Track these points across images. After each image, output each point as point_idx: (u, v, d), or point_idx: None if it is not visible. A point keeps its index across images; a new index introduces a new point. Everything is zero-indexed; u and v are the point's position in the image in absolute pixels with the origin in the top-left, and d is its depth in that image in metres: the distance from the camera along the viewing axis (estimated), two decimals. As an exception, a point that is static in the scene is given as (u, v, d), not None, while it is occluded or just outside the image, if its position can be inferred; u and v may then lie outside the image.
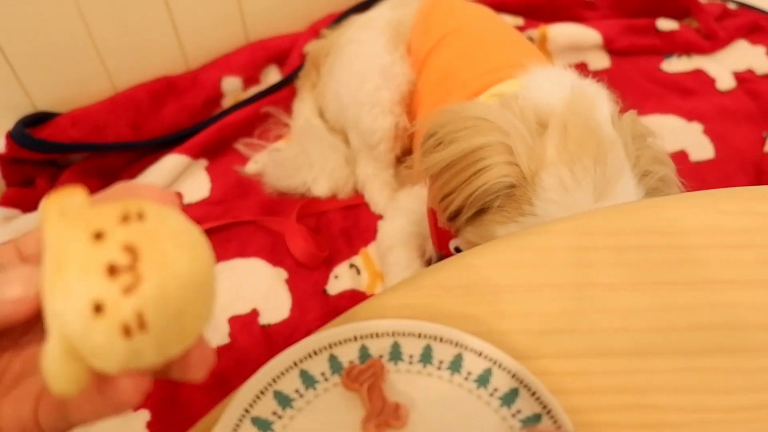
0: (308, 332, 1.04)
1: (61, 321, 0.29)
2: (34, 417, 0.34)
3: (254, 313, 1.06)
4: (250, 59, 1.34)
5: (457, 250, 0.96)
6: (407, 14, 1.17)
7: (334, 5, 1.43)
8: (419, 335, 0.49)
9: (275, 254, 1.13)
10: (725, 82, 1.41)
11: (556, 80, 0.82)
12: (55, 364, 0.30)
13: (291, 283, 1.10)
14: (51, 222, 0.30)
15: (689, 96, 1.38)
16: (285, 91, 1.34)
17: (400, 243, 1.07)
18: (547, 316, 0.52)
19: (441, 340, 0.49)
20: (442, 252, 1.01)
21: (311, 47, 1.33)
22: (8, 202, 1.12)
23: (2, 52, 1.08)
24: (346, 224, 1.18)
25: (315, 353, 0.48)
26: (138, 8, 1.19)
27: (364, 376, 0.47)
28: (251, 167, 1.24)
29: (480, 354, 0.48)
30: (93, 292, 0.28)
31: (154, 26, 1.23)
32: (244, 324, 1.05)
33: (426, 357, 0.49)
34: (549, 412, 0.45)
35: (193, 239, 0.31)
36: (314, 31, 1.39)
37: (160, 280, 0.29)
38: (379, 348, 0.49)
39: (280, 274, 1.10)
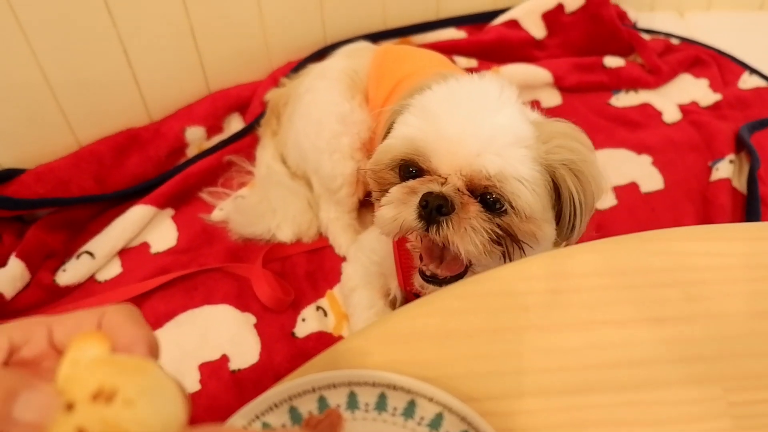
0: (277, 376, 1.07)
1: None
2: None
3: (224, 359, 1.08)
4: (212, 109, 1.38)
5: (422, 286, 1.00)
6: (361, 63, 1.21)
7: (292, 54, 1.47)
8: (374, 384, 0.52)
9: (242, 300, 1.15)
10: (671, 114, 1.47)
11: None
12: None
13: (259, 328, 1.12)
14: (63, 368, 0.34)
15: (637, 129, 1.44)
16: (248, 138, 1.37)
17: (362, 284, 1.10)
18: (489, 359, 0.55)
19: (394, 387, 0.52)
20: (408, 289, 1.04)
21: (271, 95, 1.37)
22: (-26, 259, 1.13)
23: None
24: (310, 267, 1.20)
25: (276, 405, 0.51)
26: (99, 63, 1.22)
27: (323, 426, 0.50)
28: (216, 215, 1.27)
29: (431, 399, 0.51)
30: None
31: (116, 80, 1.26)
32: (213, 370, 1.07)
33: (381, 405, 0.52)
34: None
35: None
36: (274, 79, 1.43)
37: None
38: (336, 398, 0.52)
39: (248, 319, 1.13)
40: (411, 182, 0.81)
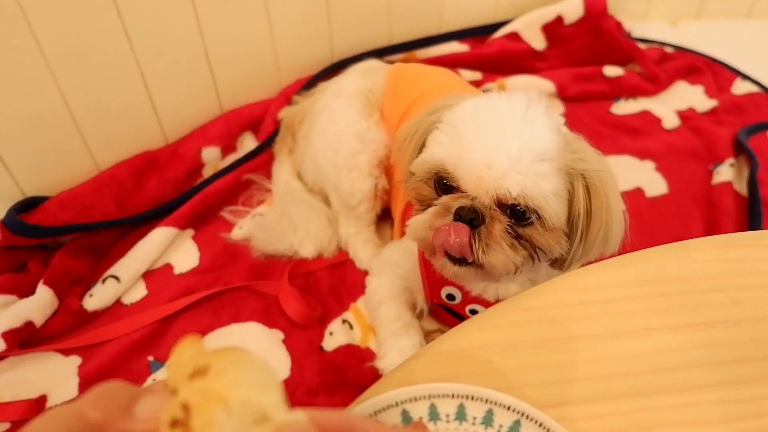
0: (309, 390, 1.09)
1: None
2: None
3: (255, 377, 1.10)
4: (226, 128, 1.40)
5: (449, 297, 1.03)
6: (376, 82, 1.24)
7: (301, 71, 1.50)
8: (453, 395, 0.55)
9: (269, 316, 1.17)
10: (670, 121, 1.52)
11: None
12: None
13: (288, 344, 1.14)
14: (168, 370, 0.39)
15: (639, 136, 1.49)
16: (262, 156, 1.39)
17: (389, 297, 1.12)
18: (555, 368, 0.58)
19: (472, 398, 0.55)
20: (434, 301, 1.07)
21: (285, 113, 1.40)
22: (3, 289, 1.14)
23: (-8, 144, 1.12)
24: (333, 282, 1.23)
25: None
26: (118, 88, 1.24)
27: (409, 437, 0.53)
28: (237, 233, 1.29)
29: (508, 408, 0.54)
30: None
31: (134, 104, 1.28)
32: (245, 387, 1.09)
33: (461, 415, 0.54)
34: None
35: (238, 396, 0.36)
36: (285, 97, 1.45)
37: None
38: (418, 410, 0.54)
39: (276, 336, 1.15)
40: (444, 198, 0.85)
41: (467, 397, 0.55)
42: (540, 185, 0.79)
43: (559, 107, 1.55)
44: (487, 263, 0.82)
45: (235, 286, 1.20)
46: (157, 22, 1.22)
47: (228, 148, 1.41)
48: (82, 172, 1.26)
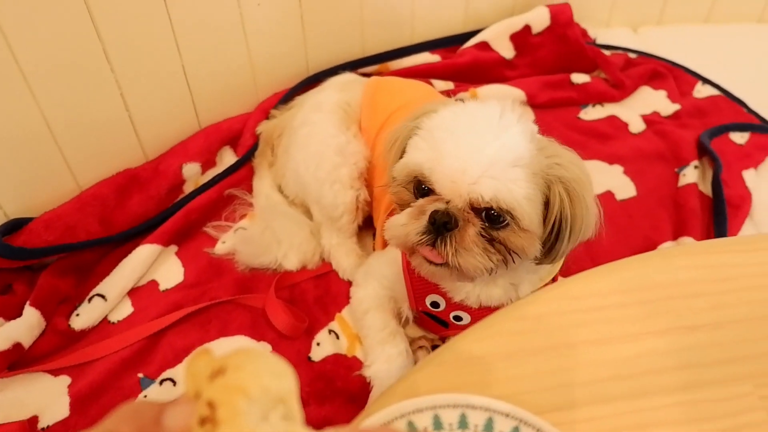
0: (300, 399, 1.11)
1: None
2: None
3: (246, 389, 1.11)
4: (205, 144, 1.41)
5: (434, 304, 1.06)
6: (353, 95, 1.26)
7: (278, 85, 1.52)
8: (454, 405, 0.58)
9: (257, 329, 1.19)
10: (636, 125, 1.58)
11: None
12: None
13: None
14: (186, 382, 0.42)
15: (607, 141, 1.54)
16: (242, 170, 1.41)
17: (374, 307, 1.15)
18: (552, 374, 0.62)
19: (473, 407, 0.58)
20: (419, 309, 1.10)
21: (263, 128, 1.42)
22: (-10, 311, 1.14)
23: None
24: (318, 292, 1.25)
25: (372, 433, 0.56)
26: (98, 107, 1.24)
27: (418, 447, 0.55)
28: (220, 248, 1.30)
29: (507, 415, 0.57)
30: None
31: (114, 122, 1.29)
32: (237, 400, 1.10)
33: (463, 423, 0.57)
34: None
35: (258, 387, 0.40)
36: (262, 111, 1.47)
37: (230, 426, 0.38)
38: (422, 421, 0.57)
39: (264, 348, 1.17)
40: (421, 201, 0.88)
41: (468, 407, 0.58)
42: (512, 189, 0.82)
43: (529, 114, 1.59)
44: (460, 264, 0.86)
45: (221, 301, 1.22)
46: (136, 40, 1.23)
47: (208, 164, 1.43)
48: (65, 192, 1.27)
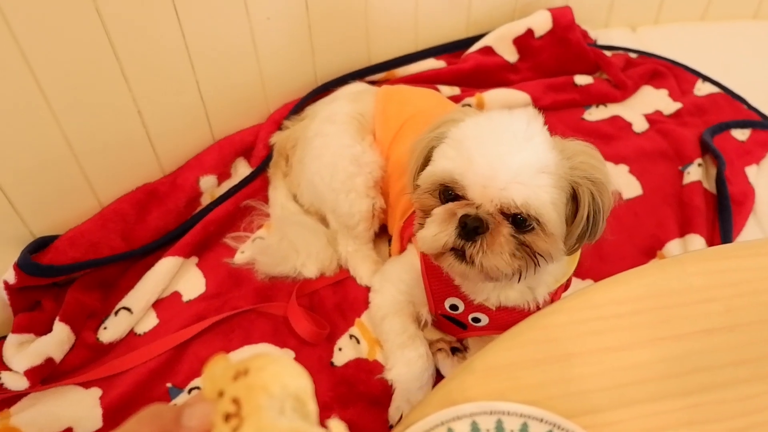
0: (322, 404, 1.16)
1: None
2: None
3: (271, 395, 1.15)
4: (219, 156, 1.45)
5: (453, 307, 1.10)
6: (366, 106, 1.30)
7: (287, 96, 1.55)
8: (491, 412, 0.62)
9: (279, 336, 1.23)
10: (639, 125, 1.61)
11: None
12: None
13: (299, 361, 1.16)
14: (203, 384, 0.46)
15: (611, 141, 1.57)
16: (257, 181, 1.45)
17: (392, 312, 1.18)
18: (578, 380, 0.65)
19: (508, 413, 0.62)
20: (438, 312, 1.14)
21: (276, 139, 1.45)
22: (21, 328, 1.17)
23: (0, 188, 1.15)
24: (337, 299, 1.29)
25: (414, 441, 0.60)
26: (116, 126, 1.28)
27: (458, 454, 0.59)
28: (239, 257, 1.34)
29: (541, 420, 0.61)
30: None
31: (132, 139, 1.32)
32: (263, 407, 1.14)
33: (499, 428, 0.61)
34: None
35: (278, 386, 0.44)
36: (274, 122, 1.51)
37: (254, 421, 0.42)
38: (461, 428, 0.61)
39: (287, 354, 1.20)
40: (450, 205, 0.91)
41: (504, 413, 0.62)
42: (540, 195, 0.86)
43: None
44: (487, 266, 0.89)
45: (243, 310, 1.25)
46: (151, 58, 1.27)
47: (223, 176, 1.46)
48: (86, 209, 1.30)
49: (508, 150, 0.86)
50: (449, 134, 0.92)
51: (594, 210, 0.91)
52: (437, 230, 0.91)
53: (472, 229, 0.88)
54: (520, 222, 0.89)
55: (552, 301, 1.06)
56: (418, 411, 0.63)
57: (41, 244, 1.23)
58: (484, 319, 1.09)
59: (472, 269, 0.91)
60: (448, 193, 0.92)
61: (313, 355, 1.21)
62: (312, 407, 0.45)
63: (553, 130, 1.56)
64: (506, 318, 1.07)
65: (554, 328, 0.69)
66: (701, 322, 0.69)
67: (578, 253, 1.04)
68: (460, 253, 0.91)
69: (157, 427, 0.44)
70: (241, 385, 0.44)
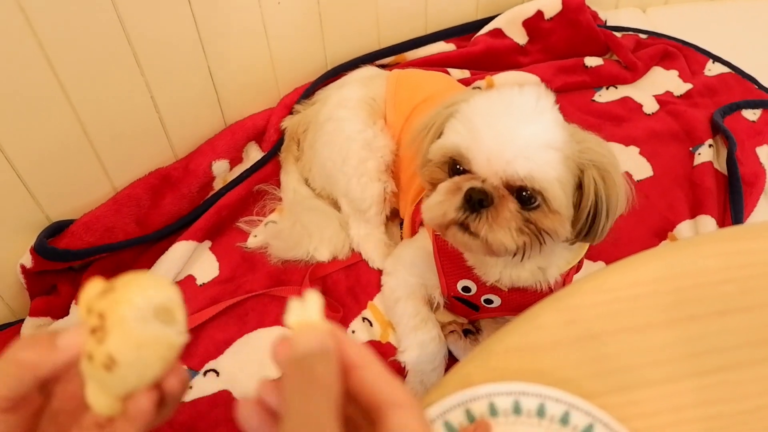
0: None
1: (83, 368, 0.47)
2: None
3: (286, 377, 1.16)
4: (232, 141, 1.45)
5: (465, 289, 1.11)
6: (377, 90, 1.30)
7: (298, 80, 1.56)
8: (508, 393, 0.62)
9: (293, 320, 1.24)
10: (650, 106, 1.61)
11: None
12: (92, 398, 0.48)
13: (312, 343, 1.21)
14: (80, 311, 0.48)
15: (622, 123, 1.57)
16: (269, 166, 1.45)
17: (405, 295, 1.19)
18: (595, 361, 0.66)
19: (526, 394, 0.62)
20: (450, 294, 1.15)
21: (287, 123, 1.46)
22: (38, 312, 1.19)
23: (17, 173, 1.16)
24: (349, 282, 1.30)
25: (432, 422, 0.61)
26: (130, 111, 1.29)
27: (477, 433, 0.60)
28: (252, 241, 1.35)
29: (557, 400, 0.62)
30: (86, 347, 0.46)
31: (145, 124, 1.33)
32: (278, 388, 1.15)
33: (517, 409, 0.62)
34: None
35: (142, 298, 0.47)
36: (285, 106, 1.51)
37: (118, 331, 0.45)
38: (479, 408, 0.62)
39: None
40: (457, 178, 0.91)
41: (521, 393, 0.63)
42: (545, 170, 0.86)
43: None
44: (491, 240, 0.89)
45: (257, 293, 1.26)
46: (164, 44, 1.27)
47: (235, 160, 1.47)
48: (101, 194, 1.32)
49: (516, 124, 0.86)
50: (460, 110, 0.93)
51: (598, 199, 0.91)
52: (441, 199, 0.91)
53: (477, 201, 0.88)
54: (526, 199, 0.89)
55: (564, 283, 1.07)
56: (436, 392, 0.64)
57: (57, 229, 1.24)
58: (497, 301, 1.10)
59: (476, 241, 0.91)
60: (456, 168, 0.92)
61: (327, 338, 1.22)
62: (180, 316, 0.49)
63: (563, 113, 1.57)
64: (518, 299, 1.08)
65: (571, 310, 0.69)
66: (717, 304, 0.69)
67: None
68: (464, 226, 0.91)
69: (33, 350, 0.47)
70: (107, 301, 0.46)
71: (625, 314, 0.69)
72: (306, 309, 0.47)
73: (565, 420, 0.61)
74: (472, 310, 1.16)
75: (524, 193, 0.88)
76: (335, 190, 1.32)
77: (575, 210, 0.92)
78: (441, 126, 0.96)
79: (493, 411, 0.62)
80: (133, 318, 0.45)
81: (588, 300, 0.70)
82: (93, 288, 0.48)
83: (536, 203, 0.89)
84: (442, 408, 0.62)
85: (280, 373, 0.45)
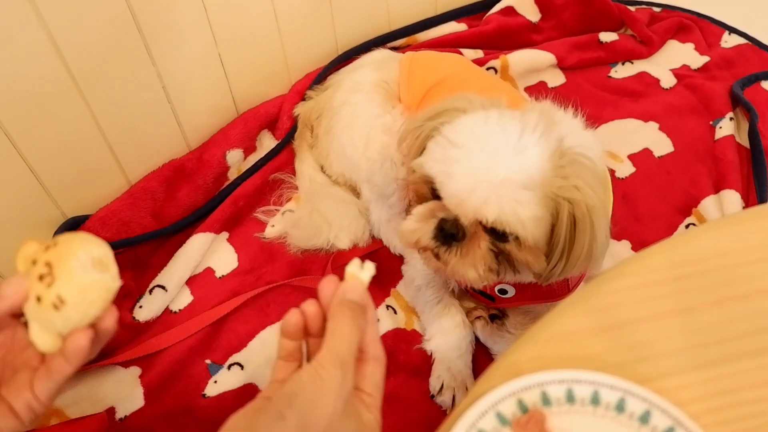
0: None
1: (28, 310, 0.58)
2: (33, 395, 0.59)
3: (311, 369, 1.15)
4: (245, 130, 1.43)
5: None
6: (390, 73, 1.27)
7: (309, 65, 1.53)
8: (560, 381, 0.61)
9: (315, 310, 1.22)
10: (667, 80, 1.59)
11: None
12: (36, 337, 0.58)
13: (337, 334, 1.19)
14: (18, 265, 0.60)
15: (640, 98, 1.55)
16: (283, 153, 1.43)
17: (425, 284, 1.18)
18: (645, 345, 0.64)
19: (579, 381, 0.61)
20: (465, 285, 1.12)
21: (300, 109, 1.43)
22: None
23: (31, 169, 1.14)
24: (371, 270, 1.28)
25: (485, 413, 0.59)
26: (142, 101, 1.27)
27: (531, 424, 0.58)
28: (270, 231, 1.33)
29: (611, 387, 0.60)
30: (34, 291, 0.57)
31: (158, 116, 1.31)
32: (304, 381, 1.14)
33: (570, 397, 0.60)
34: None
35: (83, 251, 0.58)
36: (297, 92, 1.48)
37: (65, 276, 0.56)
38: (531, 398, 0.60)
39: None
40: (432, 204, 0.89)
41: (574, 381, 0.61)
42: (519, 211, 0.82)
43: (559, 77, 1.60)
44: (458, 273, 0.89)
45: (278, 284, 1.25)
46: (174, 32, 1.25)
47: (249, 149, 1.45)
48: (115, 188, 1.29)
49: (492, 163, 0.82)
50: (443, 131, 0.88)
51: (565, 241, 0.86)
52: (415, 227, 0.90)
53: (449, 234, 0.87)
54: (500, 234, 0.86)
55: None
56: (485, 383, 0.62)
57: (73, 225, 1.22)
58: (511, 291, 1.07)
59: (446, 268, 0.91)
60: (435, 189, 0.89)
61: (351, 327, 1.20)
62: (113, 268, 0.59)
63: (580, 91, 1.54)
64: (533, 288, 1.06)
65: (614, 293, 0.67)
66: (764, 281, 0.68)
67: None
68: (436, 254, 0.90)
69: None
70: (52, 253, 0.57)
71: (671, 296, 0.67)
72: (362, 270, 0.65)
73: (620, 407, 0.60)
74: (488, 300, 1.14)
75: (497, 228, 0.85)
76: (357, 176, 1.30)
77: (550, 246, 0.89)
78: (425, 141, 0.93)
79: (545, 400, 0.60)
80: (77, 267, 0.56)
81: (630, 282, 0.68)
82: (29, 247, 0.59)
83: (510, 238, 0.86)
84: (493, 399, 0.60)
85: (323, 302, 0.63)
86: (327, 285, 0.63)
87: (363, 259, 0.66)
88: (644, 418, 0.59)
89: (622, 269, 0.70)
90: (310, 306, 0.62)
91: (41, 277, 0.56)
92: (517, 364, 0.64)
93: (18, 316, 0.61)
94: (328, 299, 0.62)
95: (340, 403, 0.55)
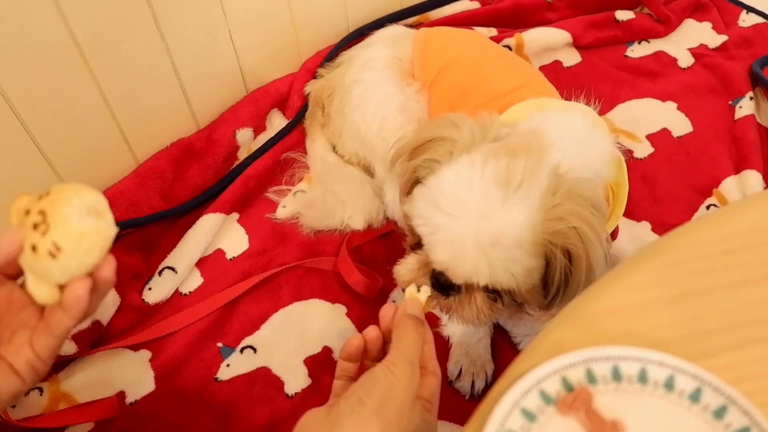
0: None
1: (24, 262, 0.56)
2: (34, 353, 0.59)
3: (327, 351, 1.12)
4: (255, 109, 1.40)
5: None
6: (404, 50, 1.23)
7: (320, 43, 1.49)
8: (606, 358, 0.58)
9: (330, 292, 1.19)
10: (685, 60, 1.55)
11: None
12: (34, 288, 0.57)
13: (351, 316, 1.17)
14: (11, 218, 0.58)
15: (657, 78, 1.52)
16: (294, 133, 1.40)
17: None
18: (689, 322, 0.61)
19: (625, 358, 0.58)
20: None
21: (311, 88, 1.39)
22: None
23: (38, 147, 1.11)
24: (387, 252, 1.25)
25: (528, 391, 0.56)
26: (150, 77, 1.23)
27: (577, 402, 0.55)
28: (282, 212, 1.30)
29: (661, 364, 0.57)
30: (29, 241, 0.55)
31: (165, 92, 1.27)
32: (319, 363, 1.11)
33: (616, 375, 0.57)
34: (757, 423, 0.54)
35: (78, 198, 0.56)
36: (307, 71, 1.44)
37: (60, 224, 0.54)
38: (576, 376, 0.57)
39: (340, 310, 1.17)
40: (425, 254, 0.82)
41: (620, 358, 0.58)
42: (511, 269, 0.77)
43: (575, 57, 1.57)
44: (460, 317, 0.86)
45: (290, 266, 1.22)
46: (185, 9, 1.21)
47: (259, 128, 1.42)
48: (123, 167, 1.26)
49: (479, 228, 0.75)
50: (427, 182, 0.81)
51: (564, 280, 0.81)
52: (410, 277, 0.85)
53: (443, 286, 0.82)
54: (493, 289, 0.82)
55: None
56: (527, 360, 0.59)
57: (80, 205, 1.19)
58: None
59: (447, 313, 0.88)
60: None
61: (367, 309, 1.18)
62: (108, 216, 0.58)
63: (596, 70, 1.50)
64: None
65: (661, 268, 0.64)
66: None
67: (623, 202, 0.96)
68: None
69: None
70: (45, 201, 0.55)
71: (720, 270, 0.64)
72: (420, 292, 0.77)
73: (669, 385, 0.57)
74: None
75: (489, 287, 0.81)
76: (372, 156, 1.26)
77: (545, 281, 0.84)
78: (412, 177, 0.88)
79: (591, 378, 0.57)
80: (71, 213, 0.54)
81: (678, 257, 0.65)
82: (22, 200, 0.57)
83: (503, 292, 0.82)
84: (536, 377, 0.57)
85: (383, 326, 0.72)
86: (386, 311, 0.72)
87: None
88: (695, 396, 0.56)
89: (669, 243, 0.67)
90: (371, 331, 0.71)
91: (35, 226, 0.54)
92: (559, 340, 0.60)
93: (14, 276, 0.61)
94: (388, 323, 0.70)
95: (410, 396, 0.62)
